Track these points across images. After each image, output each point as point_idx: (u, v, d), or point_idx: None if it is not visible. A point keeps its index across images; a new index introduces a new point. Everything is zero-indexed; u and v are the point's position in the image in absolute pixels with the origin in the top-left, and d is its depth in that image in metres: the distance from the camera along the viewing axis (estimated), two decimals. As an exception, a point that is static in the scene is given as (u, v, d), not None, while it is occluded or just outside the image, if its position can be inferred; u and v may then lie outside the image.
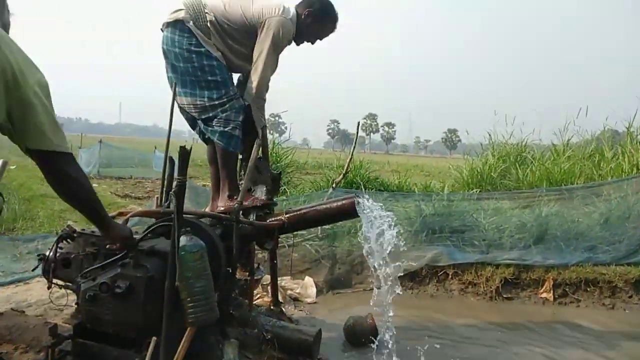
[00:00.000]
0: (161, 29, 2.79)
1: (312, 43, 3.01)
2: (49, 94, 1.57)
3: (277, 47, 2.75)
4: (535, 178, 6.98)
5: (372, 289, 4.14)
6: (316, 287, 4.02)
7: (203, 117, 2.79)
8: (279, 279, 3.38)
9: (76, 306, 1.92)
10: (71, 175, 1.67)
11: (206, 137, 2.89)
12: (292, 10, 2.86)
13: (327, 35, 3.01)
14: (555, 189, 5.88)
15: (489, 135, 8.70)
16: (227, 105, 2.76)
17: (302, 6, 2.89)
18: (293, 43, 2.95)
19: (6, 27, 1.64)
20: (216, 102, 2.75)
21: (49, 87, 1.58)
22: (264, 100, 2.86)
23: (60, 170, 1.64)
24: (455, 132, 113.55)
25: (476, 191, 6.60)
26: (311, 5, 2.88)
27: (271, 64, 2.77)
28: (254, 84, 2.77)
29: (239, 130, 2.80)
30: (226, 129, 2.75)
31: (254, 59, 2.77)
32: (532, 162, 7.61)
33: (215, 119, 2.76)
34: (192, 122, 2.92)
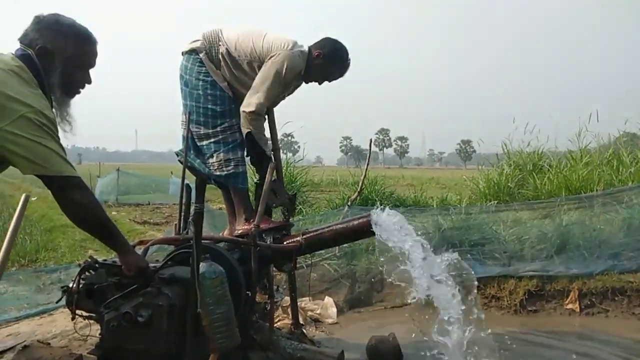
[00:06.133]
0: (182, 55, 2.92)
1: (320, 84, 3.01)
2: (40, 124, 1.64)
3: (278, 78, 2.71)
4: (553, 186, 6.88)
5: (393, 307, 4.13)
6: (336, 306, 3.99)
7: (198, 144, 2.84)
8: (298, 300, 3.37)
9: (100, 336, 1.93)
10: (75, 200, 1.73)
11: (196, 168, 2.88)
12: (305, 48, 2.88)
13: (335, 78, 3.01)
14: (575, 197, 5.77)
15: (504, 144, 8.63)
16: (221, 137, 2.78)
17: (315, 46, 2.91)
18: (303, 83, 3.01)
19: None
20: (210, 131, 2.78)
21: (42, 115, 1.65)
22: (260, 119, 2.77)
23: (64, 194, 1.72)
24: (469, 143, 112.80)
25: (494, 203, 6.52)
26: (323, 47, 2.89)
27: (269, 92, 2.72)
28: (247, 99, 2.73)
29: (241, 165, 2.83)
30: (229, 170, 2.79)
31: (254, 82, 2.76)
32: (549, 170, 7.51)
33: (215, 160, 2.78)
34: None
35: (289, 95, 3.08)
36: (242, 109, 2.74)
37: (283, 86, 2.81)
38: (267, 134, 2.96)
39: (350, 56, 2.97)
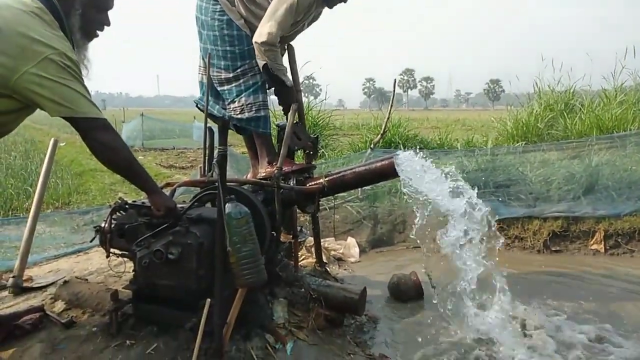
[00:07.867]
0: None
1: (345, 1, 2.88)
2: (65, 66, 1.64)
3: (291, 6, 2.59)
4: (584, 127, 6.65)
5: (415, 247, 4.19)
6: (359, 247, 4.08)
7: (219, 89, 2.81)
8: (322, 240, 3.44)
9: (133, 273, 2.03)
10: (103, 141, 1.76)
11: (218, 114, 2.89)
12: None
13: None
14: (606, 136, 5.59)
15: (535, 83, 8.28)
16: (242, 80, 2.74)
17: None
18: (326, 9, 2.88)
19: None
20: (231, 75, 2.75)
21: (66, 57, 1.65)
22: (274, 49, 2.66)
23: (92, 136, 1.74)
24: (498, 83, 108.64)
25: (521, 144, 6.38)
26: None
27: (281, 21, 2.60)
28: (259, 30, 2.62)
29: (263, 109, 2.80)
30: (251, 114, 2.76)
31: (267, 12, 2.64)
32: (580, 109, 7.23)
33: (237, 105, 2.75)
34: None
35: (310, 24, 2.97)
36: (254, 39, 2.65)
37: (298, 14, 2.68)
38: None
39: None
